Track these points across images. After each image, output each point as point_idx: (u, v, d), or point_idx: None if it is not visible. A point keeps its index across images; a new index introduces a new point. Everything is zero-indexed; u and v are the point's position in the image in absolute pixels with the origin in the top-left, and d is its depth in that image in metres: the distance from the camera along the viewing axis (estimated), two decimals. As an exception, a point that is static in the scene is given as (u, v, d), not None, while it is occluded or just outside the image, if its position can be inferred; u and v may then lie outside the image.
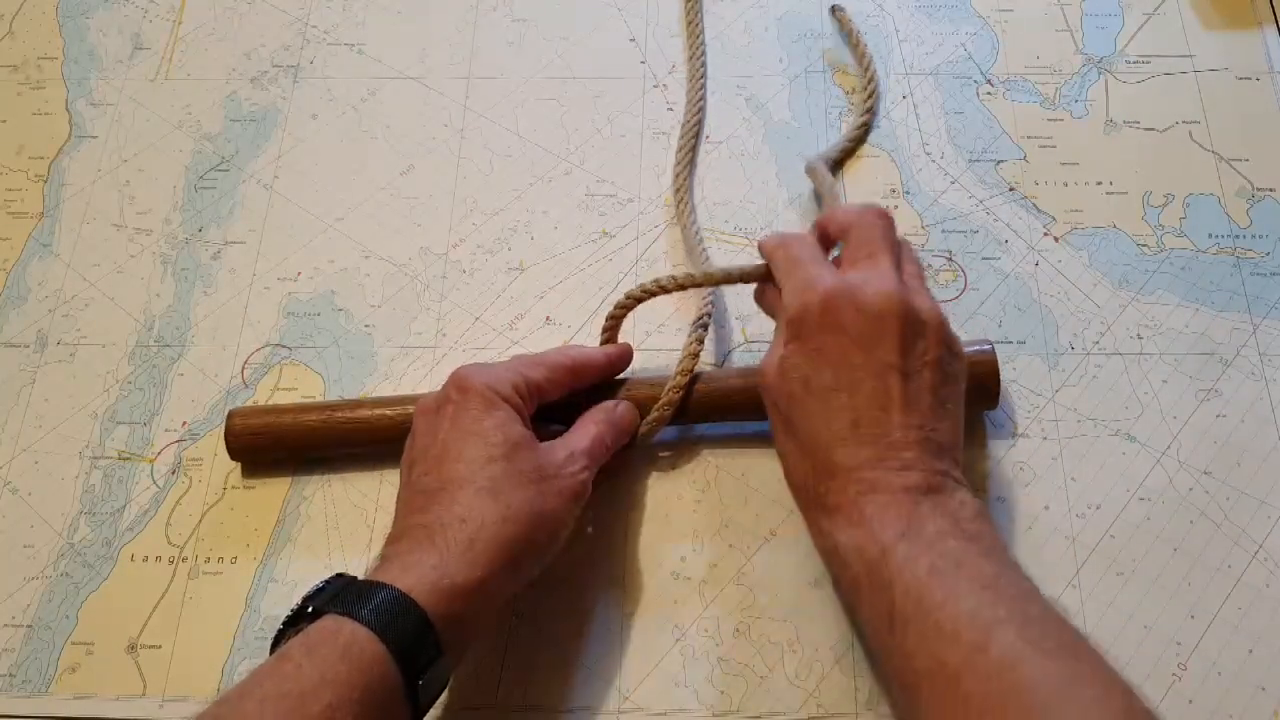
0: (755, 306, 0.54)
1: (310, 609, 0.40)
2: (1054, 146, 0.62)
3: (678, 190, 0.61)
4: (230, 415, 0.54)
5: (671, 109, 0.65)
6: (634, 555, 0.52)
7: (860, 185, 0.61)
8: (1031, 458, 0.53)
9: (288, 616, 0.41)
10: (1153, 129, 0.63)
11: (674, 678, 0.49)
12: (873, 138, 0.63)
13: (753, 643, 0.49)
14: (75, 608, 0.52)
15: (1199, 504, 0.52)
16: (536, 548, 0.44)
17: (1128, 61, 0.65)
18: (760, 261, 0.51)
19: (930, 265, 0.59)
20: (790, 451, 0.46)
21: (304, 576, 0.52)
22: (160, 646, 0.51)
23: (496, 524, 0.43)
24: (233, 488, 0.54)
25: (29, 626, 0.51)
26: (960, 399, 0.46)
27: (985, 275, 0.58)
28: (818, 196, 0.60)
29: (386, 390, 0.56)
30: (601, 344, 0.54)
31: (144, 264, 0.61)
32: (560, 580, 0.50)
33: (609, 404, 0.51)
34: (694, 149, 0.63)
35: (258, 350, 0.58)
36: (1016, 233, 0.59)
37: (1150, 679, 0.48)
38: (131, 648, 0.51)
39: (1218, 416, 0.54)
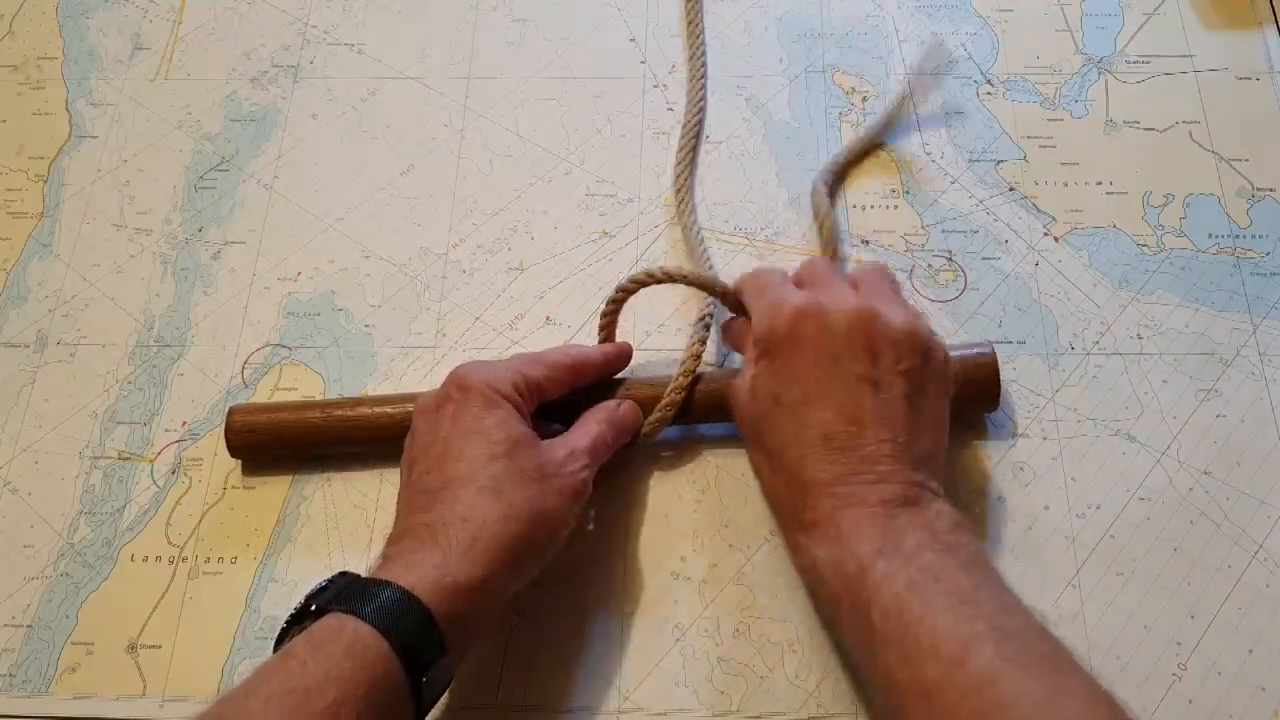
0: None
1: (314, 607, 0.41)
2: (1054, 146, 0.62)
3: (679, 190, 0.61)
4: (231, 412, 0.54)
5: (671, 109, 0.65)
6: (634, 555, 0.52)
7: (860, 185, 0.61)
8: (1031, 458, 0.53)
9: (291, 615, 0.41)
10: (1153, 129, 0.63)
11: (674, 678, 0.49)
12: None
13: (753, 643, 0.49)
14: (75, 608, 0.52)
15: (1199, 504, 0.52)
16: (538, 546, 0.44)
17: (1128, 61, 0.65)
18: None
19: (930, 265, 0.59)
20: (765, 469, 0.46)
21: (304, 576, 0.52)
22: (160, 646, 0.51)
23: (498, 522, 0.43)
24: (233, 488, 0.54)
25: (29, 626, 0.51)
26: (941, 408, 0.46)
27: (985, 275, 0.58)
28: (815, 217, 0.60)
29: (387, 390, 0.56)
30: (599, 341, 0.54)
31: (144, 264, 0.61)
32: (561, 579, 0.50)
33: (611, 403, 0.51)
34: (694, 149, 0.63)
35: (258, 350, 0.58)
36: (1016, 233, 0.59)
37: (1150, 679, 0.48)
38: (131, 648, 0.51)
39: (1218, 416, 0.54)
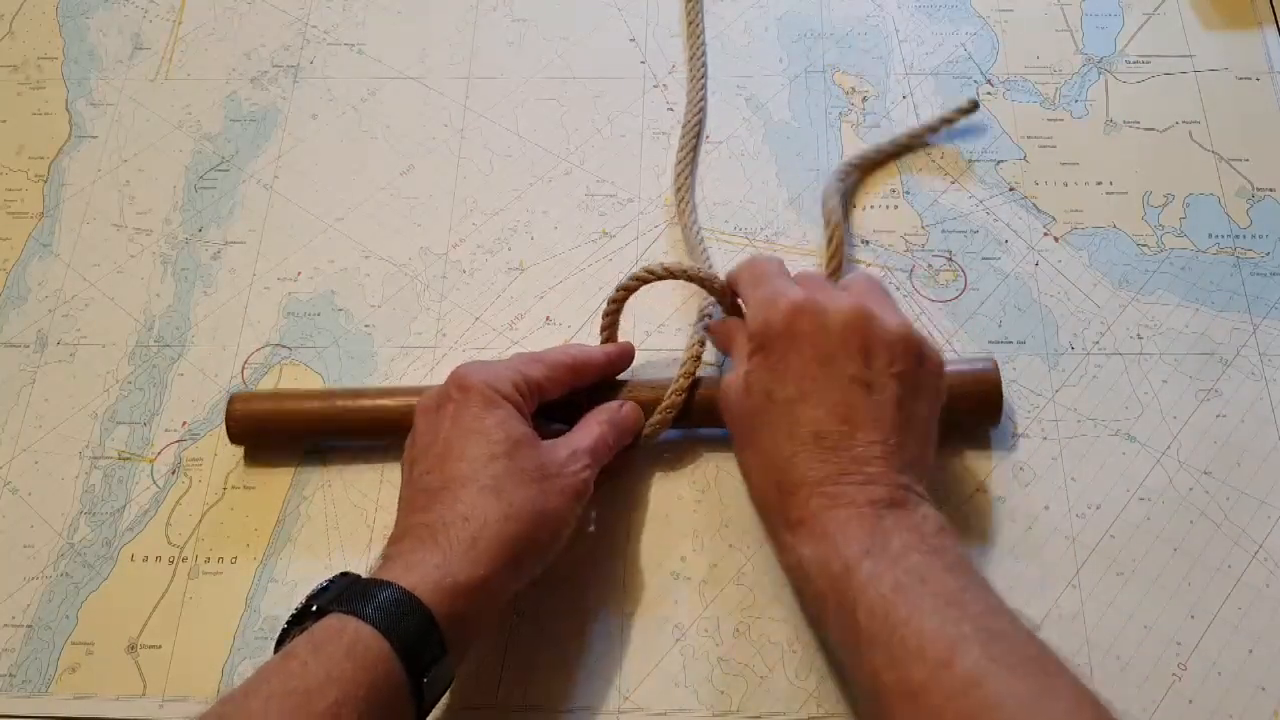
0: None
1: (315, 608, 0.41)
2: (1054, 146, 0.62)
3: (679, 190, 0.61)
4: (232, 399, 0.54)
5: (671, 109, 0.65)
6: (634, 555, 0.52)
7: (860, 186, 0.61)
8: (1031, 458, 0.53)
9: (292, 615, 0.41)
10: (1153, 129, 0.63)
11: (674, 678, 0.49)
12: (872, 138, 0.63)
13: (753, 643, 0.49)
14: (75, 608, 0.52)
15: (1199, 504, 0.52)
16: (538, 546, 0.44)
17: (1128, 61, 0.65)
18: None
19: (930, 265, 0.59)
20: (754, 467, 0.46)
21: (304, 576, 0.52)
22: (160, 646, 0.51)
23: (499, 522, 0.43)
24: (233, 488, 0.54)
25: (29, 626, 0.51)
26: (931, 413, 0.46)
27: (985, 275, 0.58)
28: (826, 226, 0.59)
29: (387, 390, 0.57)
30: (601, 339, 0.54)
31: (144, 264, 0.61)
32: (561, 579, 0.50)
33: (614, 404, 0.51)
34: (695, 148, 0.63)
35: (258, 350, 0.58)
36: (1016, 233, 0.59)
37: (1150, 679, 0.48)
38: (131, 648, 0.51)
39: (1218, 416, 0.54)
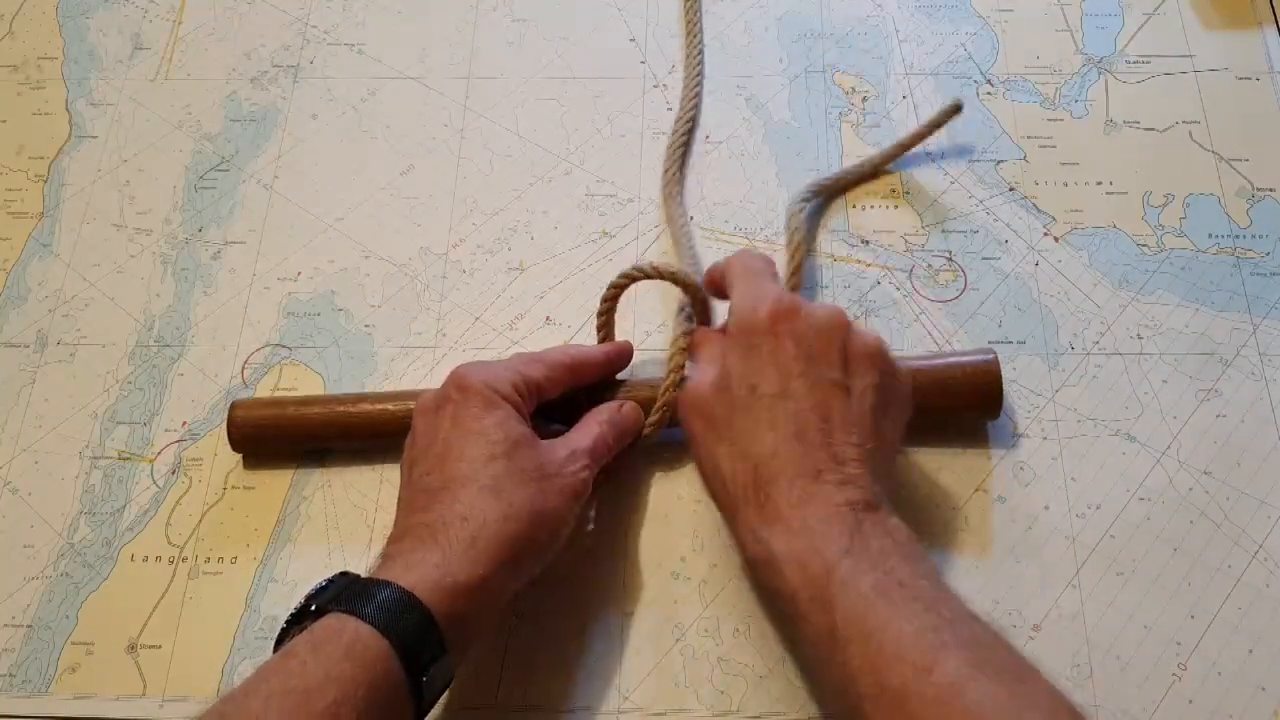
0: None
1: (314, 607, 0.41)
2: (1054, 146, 0.62)
3: (666, 185, 0.61)
4: (233, 406, 0.54)
5: (671, 109, 0.65)
6: (634, 555, 0.52)
7: (861, 186, 0.61)
8: (1031, 458, 0.53)
9: (291, 615, 0.41)
10: (1153, 129, 0.63)
11: (674, 678, 0.49)
12: (872, 138, 0.63)
13: (753, 643, 0.49)
14: (75, 608, 0.52)
15: (1199, 504, 0.52)
16: (538, 546, 0.44)
17: (1128, 61, 0.65)
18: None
19: (930, 265, 0.59)
20: (725, 456, 0.45)
21: (304, 576, 0.52)
22: (160, 646, 0.51)
23: (498, 522, 0.43)
24: (233, 488, 0.54)
25: (29, 626, 0.51)
26: (896, 432, 0.46)
27: (985, 275, 0.58)
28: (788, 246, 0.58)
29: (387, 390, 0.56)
30: (599, 340, 0.54)
31: (144, 264, 0.61)
32: (561, 579, 0.50)
33: (614, 404, 0.51)
34: (686, 145, 0.63)
35: (258, 350, 0.58)
36: (1016, 233, 0.59)
37: (1150, 679, 0.48)
38: (131, 648, 0.51)
39: (1218, 416, 0.54)
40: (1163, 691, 0.47)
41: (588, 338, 0.56)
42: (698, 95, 0.65)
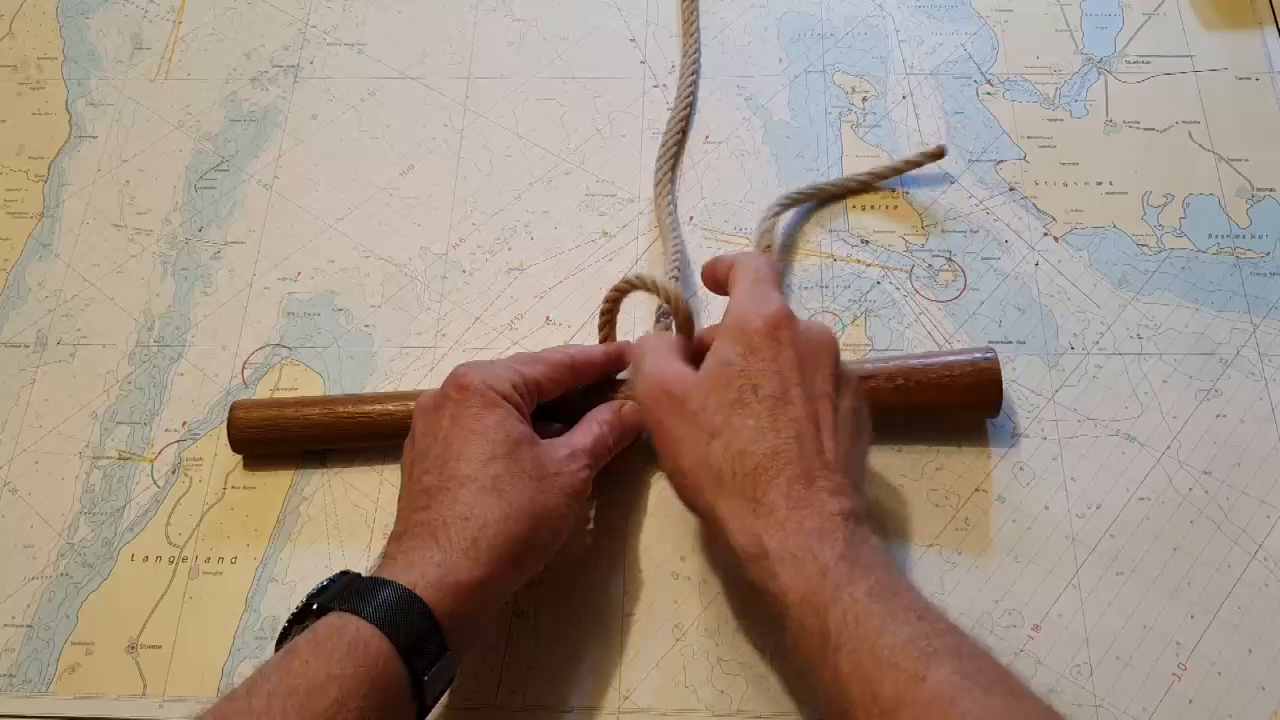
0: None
1: (315, 606, 0.41)
2: (1054, 146, 0.62)
3: (658, 184, 0.61)
4: (233, 407, 0.54)
5: (671, 109, 0.65)
6: (634, 555, 0.52)
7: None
8: (1031, 458, 0.53)
9: (293, 614, 0.41)
10: (1153, 129, 0.63)
11: (674, 678, 0.49)
12: (872, 138, 0.63)
13: (753, 643, 0.49)
14: (75, 608, 0.52)
15: (1199, 504, 0.52)
16: (538, 545, 0.44)
17: (1128, 61, 0.65)
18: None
19: (930, 265, 0.59)
20: (717, 449, 0.44)
21: (304, 576, 0.52)
22: (160, 646, 0.51)
23: (499, 522, 0.43)
24: (233, 488, 0.54)
25: (29, 626, 0.51)
26: (866, 454, 0.47)
27: (985, 275, 0.58)
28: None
29: (387, 391, 0.56)
30: (599, 339, 0.54)
31: (144, 264, 0.61)
32: (560, 580, 0.50)
33: (615, 404, 0.51)
34: (679, 144, 0.63)
35: (258, 350, 0.58)
36: (1016, 233, 0.59)
37: (1150, 679, 0.48)
38: (131, 648, 0.51)
39: (1218, 416, 0.54)
40: (1162, 691, 0.47)
41: (588, 338, 0.56)
42: (692, 94, 0.65)
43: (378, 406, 0.53)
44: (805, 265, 0.59)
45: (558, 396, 0.50)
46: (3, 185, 0.65)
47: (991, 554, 0.51)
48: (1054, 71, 0.65)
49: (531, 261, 0.60)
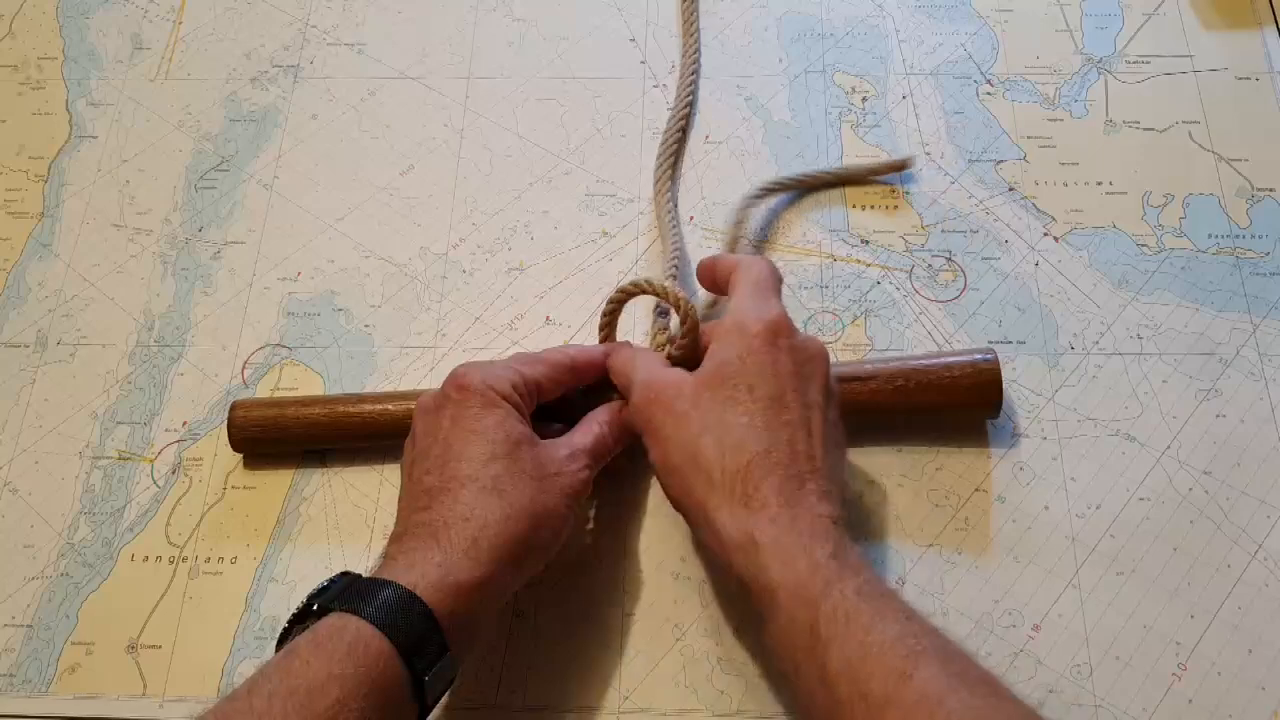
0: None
1: (316, 606, 0.41)
2: (1054, 146, 0.62)
3: (658, 182, 0.61)
4: (233, 406, 0.54)
5: (671, 109, 0.65)
6: (634, 555, 0.52)
7: (861, 185, 0.61)
8: (1031, 458, 0.53)
9: (294, 614, 0.41)
10: (1152, 129, 0.63)
11: (674, 678, 0.49)
12: (872, 138, 0.63)
13: (753, 643, 0.49)
14: (75, 608, 0.52)
15: (1199, 504, 0.52)
16: (538, 545, 0.44)
17: (1128, 61, 0.65)
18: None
19: (930, 265, 0.59)
20: (710, 443, 0.44)
21: (304, 576, 0.52)
22: (160, 646, 0.51)
23: (499, 522, 0.43)
24: (233, 488, 0.54)
25: (29, 626, 0.51)
26: (844, 468, 0.47)
27: (985, 275, 0.58)
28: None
29: (387, 390, 0.56)
30: (600, 340, 0.54)
31: (144, 264, 0.61)
32: (561, 580, 0.50)
33: (615, 404, 0.51)
34: (680, 143, 0.63)
35: (258, 350, 0.58)
36: (1016, 233, 0.59)
37: (1150, 679, 0.48)
38: (131, 648, 0.51)
39: (1218, 416, 0.54)
40: (1162, 691, 0.47)
41: (588, 338, 0.56)
42: (692, 94, 0.65)
43: (378, 406, 0.53)
44: (805, 265, 0.59)
45: (558, 396, 0.50)
46: (3, 185, 0.65)
47: (991, 554, 0.51)
48: (1054, 71, 0.65)
49: (531, 261, 0.60)
